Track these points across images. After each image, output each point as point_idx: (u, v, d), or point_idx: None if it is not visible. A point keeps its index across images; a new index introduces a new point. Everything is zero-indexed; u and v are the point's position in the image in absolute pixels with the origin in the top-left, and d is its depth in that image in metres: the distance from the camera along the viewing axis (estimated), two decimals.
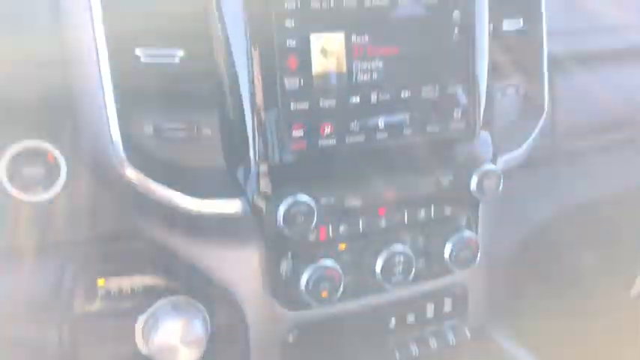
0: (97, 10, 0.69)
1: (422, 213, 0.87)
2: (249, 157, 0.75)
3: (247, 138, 0.75)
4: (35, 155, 0.76)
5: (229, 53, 0.73)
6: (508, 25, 0.90)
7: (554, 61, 0.99)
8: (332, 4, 0.76)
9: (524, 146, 0.95)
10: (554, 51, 0.99)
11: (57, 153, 0.77)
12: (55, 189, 0.77)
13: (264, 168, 0.76)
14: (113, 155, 0.72)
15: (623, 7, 1.11)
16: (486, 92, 0.87)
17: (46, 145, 0.76)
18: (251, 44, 0.72)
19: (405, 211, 0.86)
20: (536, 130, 0.96)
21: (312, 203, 0.76)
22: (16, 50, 0.72)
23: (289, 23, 0.74)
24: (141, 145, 0.74)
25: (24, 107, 0.74)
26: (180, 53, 0.73)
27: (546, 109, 0.97)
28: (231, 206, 0.77)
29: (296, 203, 0.75)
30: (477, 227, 0.92)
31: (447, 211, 0.89)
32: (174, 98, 0.75)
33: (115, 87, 0.71)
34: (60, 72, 0.73)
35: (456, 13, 0.82)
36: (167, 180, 0.74)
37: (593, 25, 1.08)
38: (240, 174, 0.77)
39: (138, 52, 0.72)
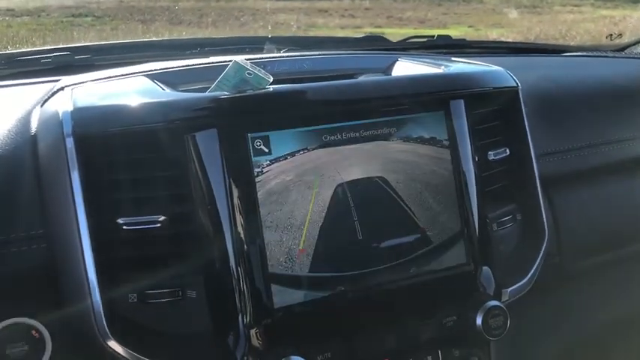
0: (77, 185, 0.70)
1: (429, 359, 0.82)
2: (237, 319, 0.72)
3: (234, 298, 0.72)
4: (18, 332, 0.74)
5: (211, 212, 0.73)
6: (494, 155, 0.90)
7: (548, 183, 0.98)
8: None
9: (529, 275, 0.91)
10: (546, 173, 0.98)
11: (42, 328, 0.74)
12: None
13: (253, 329, 0.73)
14: (96, 327, 0.69)
15: (611, 122, 1.11)
16: (482, 224, 0.85)
17: (31, 321, 0.74)
18: (233, 202, 0.72)
19: (411, 359, 0.81)
20: (540, 256, 0.93)
21: None
22: None
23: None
24: (125, 315, 0.72)
25: (5, 284, 0.73)
26: (162, 218, 0.73)
27: (547, 232, 0.95)
28: None
29: None
30: None
31: (456, 353, 0.84)
32: (157, 263, 0.73)
33: (97, 258, 0.70)
34: (42, 246, 0.73)
35: (439, 151, 0.83)
36: (153, 351, 0.71)
37: (584, 142, 1.08)
38: (228, 338, 0.73)
39: (120, 221, 0.72)
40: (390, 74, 1.00)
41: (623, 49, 1.57)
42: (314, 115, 0.78)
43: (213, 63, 0.93)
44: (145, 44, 1.48)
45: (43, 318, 0.74)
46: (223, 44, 1.37)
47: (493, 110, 0.91)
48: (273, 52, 1.22)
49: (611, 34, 1.58)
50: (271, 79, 0.77)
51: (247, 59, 0.80)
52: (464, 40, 1.59)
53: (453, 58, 1.06)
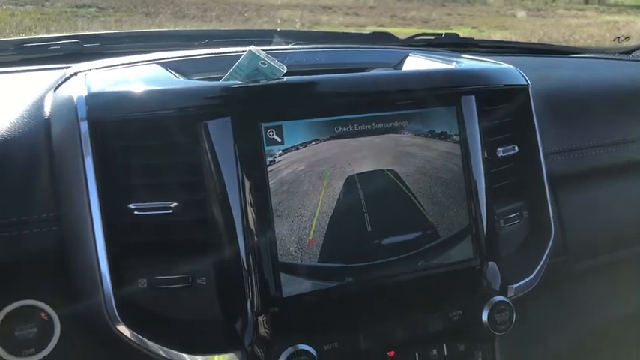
0: (90, 170, 0.70)
1: (434, 352, 0.82)
2: (246, 306, 0.73)
3: (243, 286, 0.73)
4: (27, 315, 0.74)
5: (223, 200, 0.73)
6: (503, 152, 0.90)
7: (555, 182, 0.98)
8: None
9: (535, 272, 0.91)
10: (554, 171, 0.98)
11: (50, 311, 0.75)
12: (48, 349, 0.74)
13: (261, 317, 0.73)
14: (106, 312, 0.70)
15: (617, 123, 1.12)
16: (490, 220, 0.86)
17: (40, 304, 0.74)
18: (244, 190, 0.73)
19: (417, 352, 0.81)
20: (546, 254, 0.93)
21: (314, 351, 0.72)
22: (7, 208, 0.73)
23: None
24: (135, 300, 0.72)
25: (16, 266, 0.73)
26: (174, 204, 0.73)
27: (553, 230, 0.95)
28: None
29: (297, 353, 0.71)
30: None
31: (461, 347, 0.84)
32: (168, 249, 0.74)
33: (108, 242, 0.70)
34: (53, 230, 0.73)
35: (449, 146, 0.83)
36: (162, 336, 0.71)
37: (591, 142, 1.08)
38: (236, 324, 0.74)
39: (131, 206, 0.72)
40: (401, 69, 1.00)
41: (630, 51, 1.57)
42: (327, 106, 0.78)
43: (224, 53, 0.93)
44: (153, 34, 1.49)
45: (53, 301, 0.75)
46: (231, 36, 1.38)
47: (503, 107, 0.92)
48: (282, 46, 1.23)
49: (619, 37, 1.58)
50: (285, 70, 0.77)
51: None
52: (472, 39, 1.59)
53: (463, 56, 1.06)
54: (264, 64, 0.77)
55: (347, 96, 0.80)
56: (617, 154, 1.10)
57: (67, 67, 0.89)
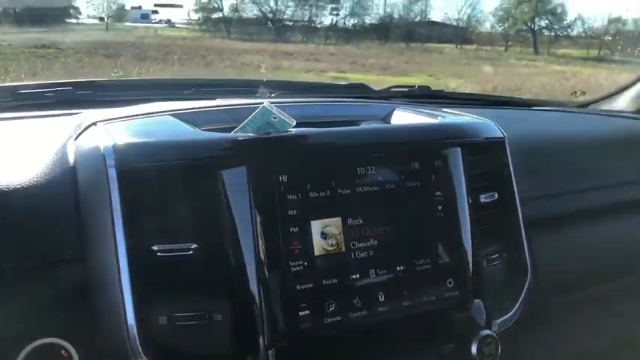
0: (118, 214, 0.76)
1: None
2: (259, 342, 0.79)
3: (257, 323, 0.79)
4: (48, 352, 0.77)
5: (238, 242, 0.79)
6: (485, 198, 1.00)
7: (531, 225, 1.08)
8: (328, 193, 0.84)
9: (515, 307, 1.00)
10: (530, 216, 1.08)
11: (70, 348, 0.78)
12: None
13: (272, 352, 0.79)
14: (129, 347, 0.74)
15: (584, 172, 1.24)
16: (475, 261, 0.94)
17: (61, 342, 0.78)
18: (257, 234, 0.79)
19: None
20: (524, 291, 1.02)
21: None
22: (32, 250, 0.77)
23: (291, 212, 0.82)
24: (154, 336, 0.77)
25: (40, 305, 0.77)
26: (193, 246, 0.79)
27: (530, 270, 1.04)
28: None
29: None
30: None
31: None
32: (187, 287, 0.79)
33: (132, 282, 0.75)
34: (77, 270, 0.78)
35: (438, 194, 0.92)
36: None
37: (562, 189, 1.19)
38: (249, 358, 0.79)
39: (154, 247, 0.77)
40: (390, 121, 1.09)
41: (586, 105, 1.72)
42: (332, 157, 0.86)
43: (228, 106, 1.01)
44: (144, 83, 1.55)
45: (73, 338, 0.79)
46: (219, 85, 1.45)
47: (483, 158, 1.02)
48: (266, 96, 1.31)
49: (575, 92, 1.73)
50: (294, 123, 0.85)
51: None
52: (442, 91, 1.71)
53: (444, 110, 1.16)
54: (276, 117, 0.84)
55: (350, 148, 0.89)
56: (585, 199, 1.21)
57: (69, 114, 0.94)
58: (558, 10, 16.46)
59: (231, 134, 0.85)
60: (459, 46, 16.40)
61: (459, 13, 17.15)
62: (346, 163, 0.87)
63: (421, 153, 0.92)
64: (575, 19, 16.52)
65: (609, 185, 1.26)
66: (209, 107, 1.00)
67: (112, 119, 0.91)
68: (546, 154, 1.21)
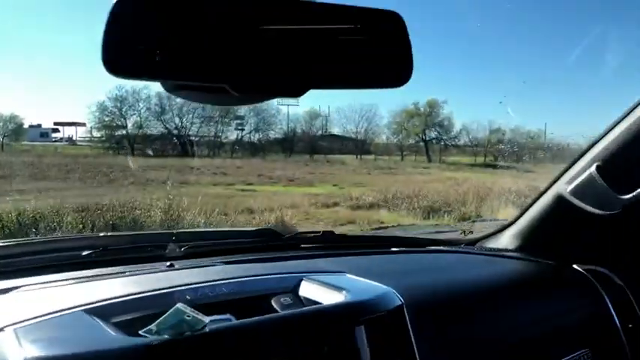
0: None
1: None
2: None
3: None
4: None
5: None
6: None
7: None
8: None
9: None
10: None
11: None
12: None
13: None
14: None
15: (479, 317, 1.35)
16: None
17: None
18: None
19: None
20: None
21: None
22: None
23: None
24: None
25: None
26: None
27: None
28: None
29: None
30: None
31: None
32: None
33: None
34: None
35: None
36: None
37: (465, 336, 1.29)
38: None
39: None
40: (298, 293, 1.16)
41: (474, 242, 1.89)
42: (247, 348, 0.92)
43: (143, 293, 1.04)
44: (45, 248, 1.49)
45: None
46: (126, 243, 1.44)
47: (385, 326, 1.10)
48: (176, 252, 1.34)
49: (464, 231, 1.90)
50: (207, 321, 0.90)
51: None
52: (345, 235, 1.82)
53: (348, 275, 1.25)
54: (189, 316, 0.89)
55: (263, 337, 0.95)
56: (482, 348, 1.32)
57: None
58: (445, 123, 18.16)
59: (146, 340, 0.87)
60: (359, 157, 17.51)
61: (356, 127, 18.38)
62: (261, 351, 0.93)
63: (330, 334, 0.99)
64: (461, 130, 18.21)
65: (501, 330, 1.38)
66: (120, 298, 1.02)
67: (21, 322, 0.91)
68: (446, 306, 1.31)
